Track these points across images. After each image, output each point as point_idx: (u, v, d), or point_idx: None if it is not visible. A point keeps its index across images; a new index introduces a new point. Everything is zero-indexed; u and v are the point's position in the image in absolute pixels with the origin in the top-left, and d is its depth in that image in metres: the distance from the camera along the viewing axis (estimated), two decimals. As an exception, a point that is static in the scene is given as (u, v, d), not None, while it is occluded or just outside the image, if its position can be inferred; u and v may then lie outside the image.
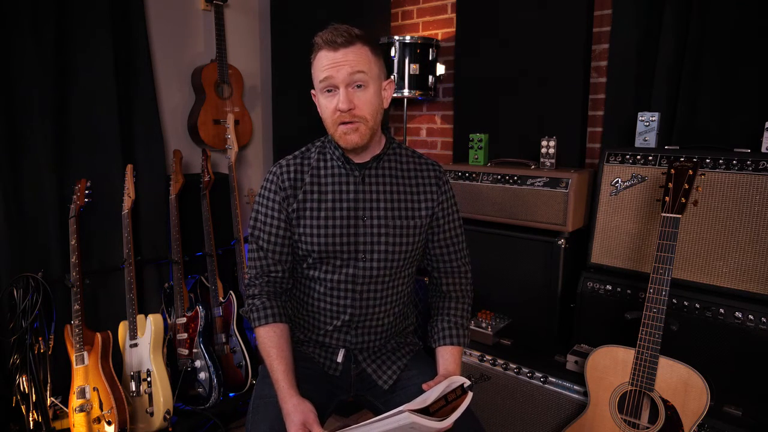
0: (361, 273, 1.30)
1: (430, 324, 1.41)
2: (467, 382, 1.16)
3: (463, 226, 1.44)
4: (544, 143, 2.11)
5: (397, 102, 2.92)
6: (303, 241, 1.30)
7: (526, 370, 1.80)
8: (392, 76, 2.50)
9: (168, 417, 2.09)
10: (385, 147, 1.34)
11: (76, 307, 2.00)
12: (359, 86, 1.21)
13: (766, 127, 1.64)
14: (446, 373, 1.26)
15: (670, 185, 1.46)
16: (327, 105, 1.23)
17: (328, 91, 1.22)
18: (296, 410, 1.14)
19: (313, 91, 1.31)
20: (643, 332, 1.44)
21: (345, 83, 1.19)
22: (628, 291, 1.83)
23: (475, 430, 1.23)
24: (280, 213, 1.31)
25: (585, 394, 1.62)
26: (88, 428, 1.95)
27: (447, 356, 1.32)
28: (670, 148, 1.82)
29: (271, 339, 1.25)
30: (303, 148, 1.38)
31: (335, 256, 1.30)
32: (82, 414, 1.94)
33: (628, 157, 1.85)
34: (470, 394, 1.14)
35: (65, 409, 2.02)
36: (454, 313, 1.38)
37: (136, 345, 2.14)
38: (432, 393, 1.16)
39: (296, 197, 1.30)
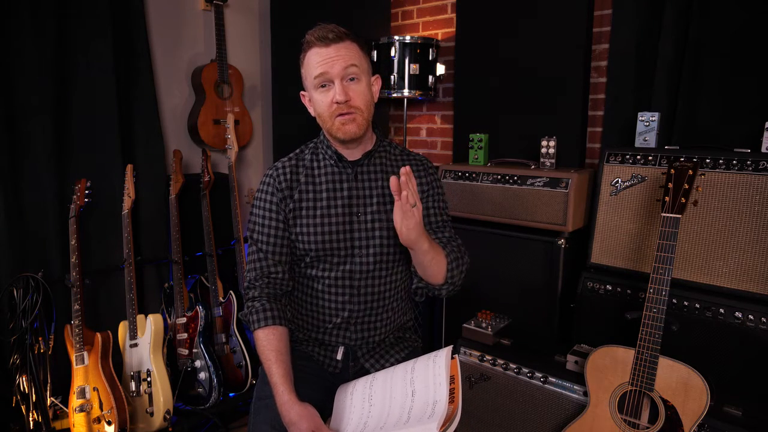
0: (358, 269, 1.33)
1: None
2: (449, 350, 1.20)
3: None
4: (544, 143, 2.10)
5: (397, 102, 2.92)
6: (300, 240, 1.32)
7: (526, 370, 1.80)
8: (392, 75, 2.51)
9: (168, 417, 2.09)
10: (375, 144, 1.37)
11: (76, 307, 2.00)
12: (352, 79, 1.25)
13: (766, 127, 1.64)
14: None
15: (670, 185, 1.46)
16: (322, 100, 1.26)
17: (323, 86, 1.25)
18: (302, 419, 1.14)
19: (302, 92, 1.34)
20: (643, 332, 1.44)
21: (340, 77, 1.23)
22: (628, 291, 1.83)
23: None
24: (278, 214, 1.32)
25: (585, 394, 1.62)
26: (88, 428, 1.95)
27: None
28: (670, 148, 1.82)
29: (270, 342, 1.24)
30: (297, 150, 1.40)
31: (332, 253, 1.32)
32: (82, 414, 1.94)
33: (628, 157, 1.85)
34: (457, 358, 1.21)
35: (65, 409, 2.02)
36: (450, 251, 1.34)
37: (136, 345, 2.14)
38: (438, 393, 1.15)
39: (293, 197, 1.33)
